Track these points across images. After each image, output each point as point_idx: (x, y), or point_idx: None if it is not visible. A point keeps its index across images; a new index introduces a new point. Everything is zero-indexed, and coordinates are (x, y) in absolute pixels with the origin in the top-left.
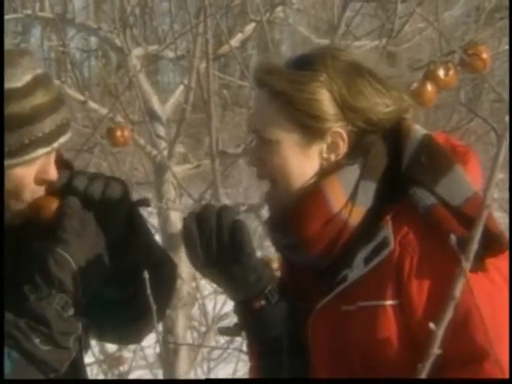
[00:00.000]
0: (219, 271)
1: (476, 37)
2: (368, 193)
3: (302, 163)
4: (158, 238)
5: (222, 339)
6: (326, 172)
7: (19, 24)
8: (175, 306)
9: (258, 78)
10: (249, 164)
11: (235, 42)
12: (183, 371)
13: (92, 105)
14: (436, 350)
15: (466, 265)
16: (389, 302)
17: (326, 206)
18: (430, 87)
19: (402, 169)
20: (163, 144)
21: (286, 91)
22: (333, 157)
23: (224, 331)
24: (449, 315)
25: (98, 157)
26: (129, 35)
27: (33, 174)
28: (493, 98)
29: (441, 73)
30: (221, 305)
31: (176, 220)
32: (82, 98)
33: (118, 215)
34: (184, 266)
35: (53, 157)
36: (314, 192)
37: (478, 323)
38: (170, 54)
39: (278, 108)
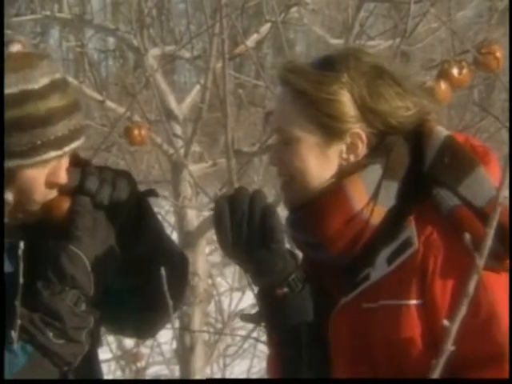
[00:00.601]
0: (247, 255)
1: (489, 36)
2: (390, 192)
3: (321, 163)
4: (174, 235)
5: (238, 337)
6: (346, 172)
7: (38, 25)
8: (192, 303)
9: (281, 76)
10: (270, 162)
11: (251, 42)
12: (199, 367)
13: (110, 104)
14: (450, 347)
15: (480, 262)
16: (412, 302)
17: (348, 204)
18: (443, 86)
19: (425, 169)
20: (180, 143)
21: (308, 91)
22: (352, 157)
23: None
24: (462, 312)
25: (115, 155)
26: (146, 35)
27: (44, 176)
28: (505, 97)
29: (454, 71)
30: (236, 302)
31: (192, 218)
32: (99, 97)
33: (127, 209)
34: (201, 263)
35: (65, 161)
36: (335, 191)
37: (501, 323)
38: (187, 54)
39: (299, 107)
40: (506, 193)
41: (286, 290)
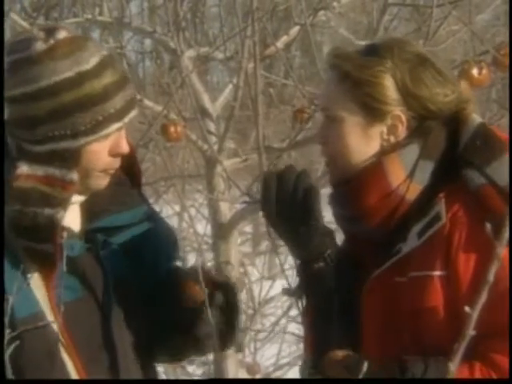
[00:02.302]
0: (288, 229)
1: (507, 38)
2: (425, 172)
3: (363, 142)
4: (208, 227)
5: (268, 322)
6: (386, 151)
7: (79, 27)
8: None
9: (329, 60)
10: (316, 141)
11: (280, 43)
12: (231, 351)
13: (147, 103)
14: (471, 332)
15: (500, 250)
16: (437, 273)
17: (386, 180)
18: (464, 85)
19: (458, 152)
20: (213, 139)
21: (352, 73)
22: (392, 138)
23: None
24: (483, 298)
25: (152, 151)
26: (181, 38)
27: (107, 148)
28: None
29: (474, 72)
30: (267, 289)
31: (225, 210)
32: (137, 96)
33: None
34: (233, 252)
35: (123, 131)
36: (374, 167)
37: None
38: (220, 56)
39: (344, 89)
40: None
41: (321, 264)
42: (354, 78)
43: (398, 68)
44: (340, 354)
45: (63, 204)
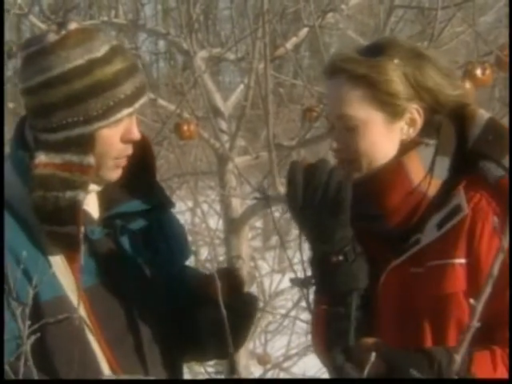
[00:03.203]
0: (314, 220)
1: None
2: (443, 167)
3: (387, 140)
4: (220, 222)
5: (278, 314)
6: (405, 149)
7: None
8: None
9: (336, 66)
10: (333, 150)
11: (290, 45)
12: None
13: (161, 102)
14: (476, 323)
15: (505, 244)
16: (457, 261)
17: (408, 179)
18: (468, 85)
19: (469, 146)
20: (225, 137)
21: (367, 75)
22: (411, 131)
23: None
24: (488, 291)
25: (166, 149)
26: (194, 39)
27: (119, 133)
28: None
29: (478, 72)
30: (277, 283)
31: (237, 206)
32: (152, 95)
33: None
34: (244, 247)
35: (134, 118)
36: (396, 167)
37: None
38: (231, 56)
39: (361, 92)
40: None
41: (341, 258)
42: (370, 80)
43: (405, 63)
44: (370, 341)
45: (83, 187)
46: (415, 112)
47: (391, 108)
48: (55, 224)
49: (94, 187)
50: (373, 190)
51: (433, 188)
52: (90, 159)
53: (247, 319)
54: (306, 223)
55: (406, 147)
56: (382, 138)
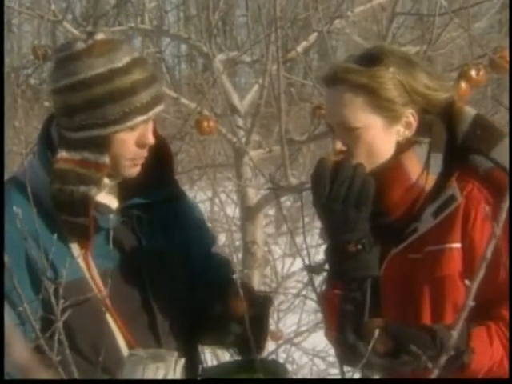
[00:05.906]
0: (339, 211)
1: (501, 44)
2: (437, 162)
3: (385, 142)
4: (237, 210)
5: (290, 294)
6: (401, 149)
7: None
8: (251, 267)
9: (337, 76)
10: (334, 153)
11: (300, 48)
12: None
13: (183, 100)
14: (471, 302)
15: (498, 230)
16: (454, 245)
17: (406, 176)
18: (463, 85)
19: (459, 141)
20: (241, 133)
21: (368, 84)
22: (407, 133)
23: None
24: (481, 273)
25: (187, 144)
26: (213, 43)
27: (134, 137)
28: None
29: (473, 73)
30: (288, 266)
31: (252, 195)
32: (174, 95)
33: None
34: (258, 233)
35: (150, 125)
36: (394, 166)
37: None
38: (247, 59)
39: (361, 100)
40: None
41: (359, 247)
42: (371, 89)
43: (400, 71)
44: (379, 320)
45: (96, 183)
46: (411, 116)
47: (390, 113)
48: (69, 215)
49: (110, 182)
50: (374, 188)
51: (429, 182)
52: (106, 159)
53: (263, 318)
54: (330, 215)
55: (402, 147)
56: (381, 141)
